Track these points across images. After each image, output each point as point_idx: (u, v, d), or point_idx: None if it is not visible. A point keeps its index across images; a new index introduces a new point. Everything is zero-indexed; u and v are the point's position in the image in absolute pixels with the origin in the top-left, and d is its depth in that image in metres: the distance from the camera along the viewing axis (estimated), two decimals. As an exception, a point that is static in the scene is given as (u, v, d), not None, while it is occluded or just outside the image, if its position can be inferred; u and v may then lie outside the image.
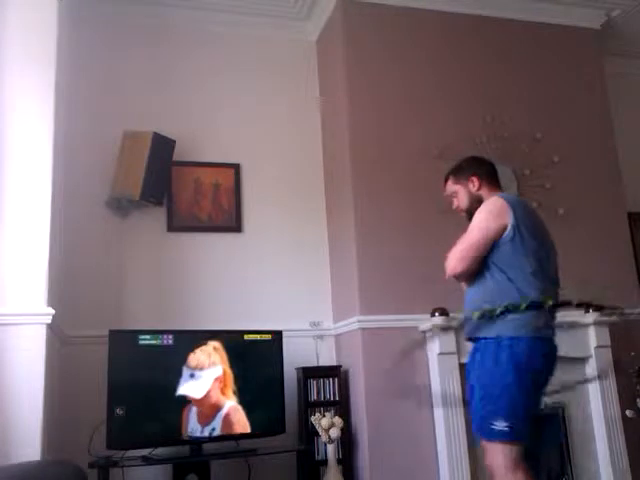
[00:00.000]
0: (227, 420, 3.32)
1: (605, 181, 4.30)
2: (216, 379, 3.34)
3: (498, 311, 2.12)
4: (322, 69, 4.39)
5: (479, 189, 2.41)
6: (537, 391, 2.18)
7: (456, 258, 2.25)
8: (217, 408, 3.32)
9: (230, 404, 3.35)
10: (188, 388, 3.26)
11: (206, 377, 3.31)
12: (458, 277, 2.29)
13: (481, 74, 4.20)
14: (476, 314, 2.19)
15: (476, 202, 2.39)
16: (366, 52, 4.03)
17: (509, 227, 2.20)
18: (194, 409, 3.27)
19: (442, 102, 4.07)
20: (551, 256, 2.32)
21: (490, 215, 2.24)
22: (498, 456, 2.11)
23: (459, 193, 2.46)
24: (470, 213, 2.40)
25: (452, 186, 2.49)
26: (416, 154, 3.90)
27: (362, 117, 3.92)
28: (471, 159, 2.53)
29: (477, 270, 2.25)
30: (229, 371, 3.38)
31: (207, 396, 3.30)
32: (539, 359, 2.15)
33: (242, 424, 3.36)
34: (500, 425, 2.08)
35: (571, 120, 4.31)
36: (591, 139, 4.35)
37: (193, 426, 3.25)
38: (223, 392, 3.34)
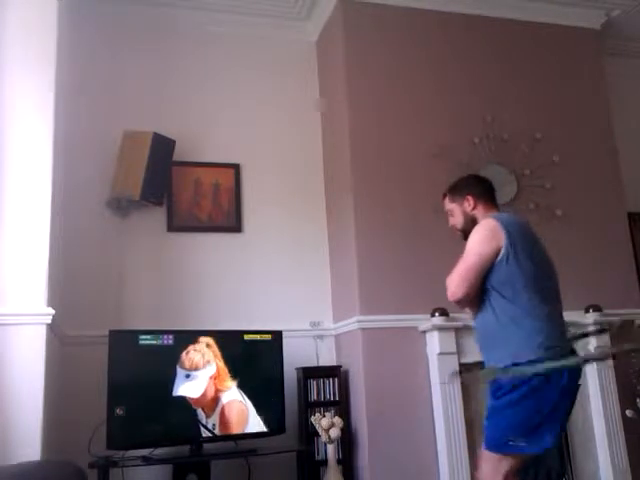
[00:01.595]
0: (223, 415, 3.33)
1: (605, 181, 4.30)
2: (211, 377, 3.34)
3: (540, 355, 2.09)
4: (322, 69, 4.39)
5: (474, 208, 2.40)
6: (559, 410, 2.12)
7: (455, 284, 2.21)
8: (215, 403, 3.33)
9: (227, 398, 3.36)
10: (185, 389, 3.26)
11: (202, 377, 3.32)
12: (460, 303, 2.25)
13: (481, 74, 4.20)
14: (491, 372, 2.19)
15: (470, 222, 2.38)
16: (366, 52, 4.03)
17: (503, 249, 2.17)
18: (198, 410, 3.29)
19: (442, 102, 4.07)
20: (552, 275, 2.28)
21: (484, 239, 2.21)
22: (496, 468, 2.09)
23: (455, 211, 2.46)
24: (465, 232, 2.40)
25: (449, 204, 2.49)
26: (416, 154, 3.90)
27: (362, 117, 3.93)
28: (468, 178, 2.53)
29: (478, 296, 2.22)
30: (222, 365, 3.38)
31: (204, 395, 3.31)
32: (555, 391, 2.08)
33: (240, 416, 3.36)
34: (516, 441, 2.05)
35: (571, 120, 4.32)
36: (591, 139, 4.35)
37: (201, 417, 3.29)
38: (218, 387, 3.35)
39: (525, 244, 2.21)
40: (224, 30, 4.25)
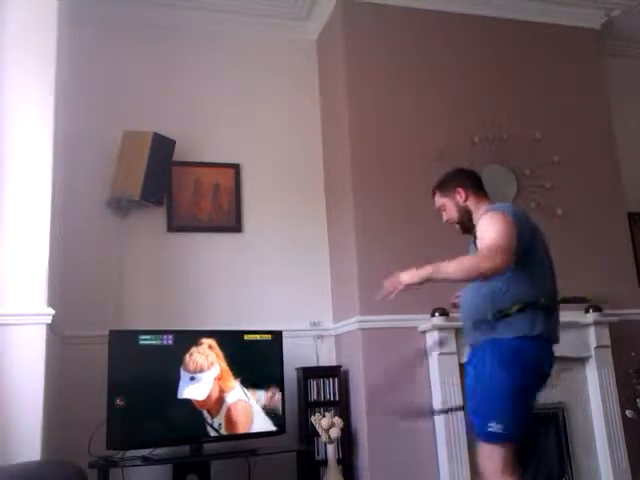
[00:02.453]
0: (229, 416, 3.34)
1: (605, 181, 4.30)
2: (215, 378, 3.35)
3: (514, 309, 2.14)
4: (322, 69, 4.39)
5: (466, 200, 2.41)
6: (531, 391, 2.19)
7: (493, 254, 2.09)
8: (220, 404, 3.34)
9: (232, 399, 3.37)
10: (190, 392, 3.27)
11: (206, 379, 3.32)
12: (497, 272, 2.13)
13: (481, 74, 4.20)
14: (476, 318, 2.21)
15: (465, 213, 2.40)
16: (366, 52, 4.03)
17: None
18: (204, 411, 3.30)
19: (442, 102, 4.07)
20: (552, 265, 2.32)
21: (502, 221, 2.20)
22: (491, 458, 2.13)
23: (447, 206, 2.46)
24: (463, 224, 2.42)
25: (439, 200, 2.49)
26: (416, 154, 3.90)
27: (362, 117, 3.93)
28: (455, 171, 2.53)
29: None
30: (225, 367, 3.38)
31: (209, 397, 3.31)
32: (533, 359, 2.16)
33: (245, 416, 3.38)
34: (495, 427, 2.09)
35: (571, 120, 4.31)
36: (591, 139, 4.35)
37: (206, 417, 3.30)
38: (222, 388, 3.36)
39: (535, 235, 2.26)
40: (224, 30, 4.25)
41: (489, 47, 4.26)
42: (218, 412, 3.32)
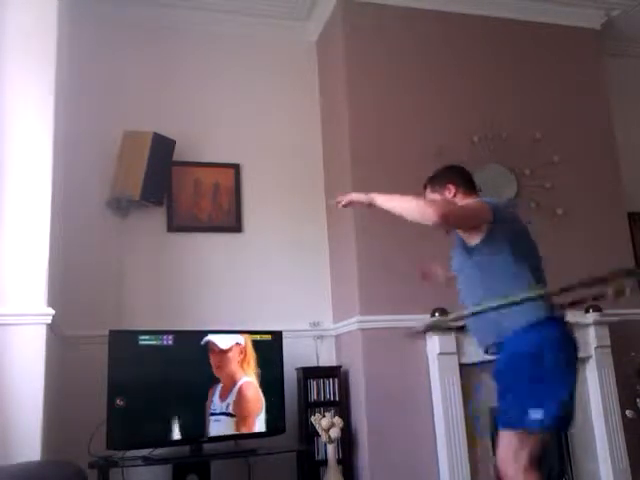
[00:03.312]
0: (240, 394, 3.38)
1: (605, 181, 4.30)
2: (239, 347, 3.42)
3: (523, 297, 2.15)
4: (322, 69, 4.39)
5: (455, 196, 2.44)
6: (571, 375, 2.17)
7: (444, 206, 2.25)
8: (234, 381, 3.39)
9: (245, 379, 3.41)
10: (215, 337, 3.38)
11: (232, 338, 3.43)
12: (444, 221, 2.16)
13: (480, 74, 4.20)
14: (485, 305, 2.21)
15: None
16: (366, 52, 4.03)
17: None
18: (219, 386, 3.34)
19: (442, 102, 4.07)
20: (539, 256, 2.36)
21: (475, 202, 2.31)
22: (513, 450, 2.10)
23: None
24: None
25: (429, 195, 2.53)
26: (416, 154, 3.90)
27: (362, 117, 3.93)
28: (447, 168, 2.56)
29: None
30: (251, 351, 3.46)
31: (227, 365, 3.38)
32: (569, 339, 2.21)
33: (255, 400, 3.42)
34: (535, 414, 2.06)
35: (571, 120, 4.31)
36: (591, 139, 4.35)
37: (215, 403, 3.31)
38: (242, 366, 3.41)
39: (518, 225, 2.32)
40: (224, 30, 4.25)
41: (489, 47, 4.26)
42: (230, 390, 3.35)
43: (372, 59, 4.03)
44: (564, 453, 3.68)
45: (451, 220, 2.19)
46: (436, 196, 2.48)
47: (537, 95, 4.29)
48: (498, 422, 2.20)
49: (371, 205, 2.33)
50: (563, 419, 2.13)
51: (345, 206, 2.41)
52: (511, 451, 2.11)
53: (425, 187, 2.55)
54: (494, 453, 3.42)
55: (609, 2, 4.45)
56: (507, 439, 2.13)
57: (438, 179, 2.51)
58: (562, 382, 2.12)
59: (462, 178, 2.48)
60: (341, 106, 4.00)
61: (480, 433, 3.49)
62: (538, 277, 2.27)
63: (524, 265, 2.23)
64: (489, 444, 3.47)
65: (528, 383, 2.11)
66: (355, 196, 2.37)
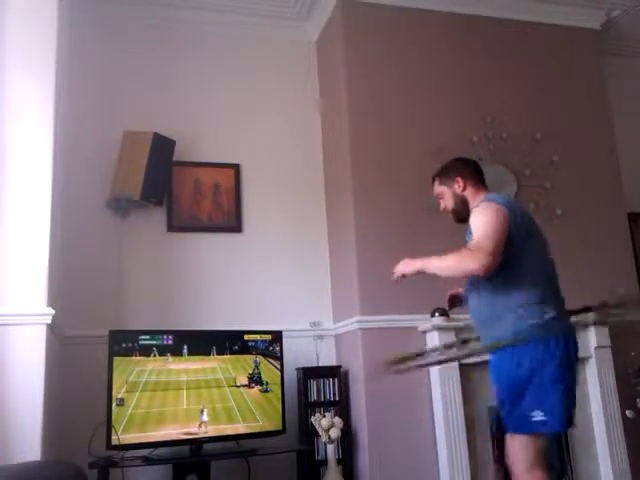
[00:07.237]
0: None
1: (605, 181, 4.30)
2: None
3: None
4: (322, 69, 4.39)
5: (464, 190, 2.42)
6: (572, 375, 2.20)
7: (480, 255, 2.12)
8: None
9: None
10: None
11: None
12: (488, 267, 2.13)
13: (480, 74, 4.20)
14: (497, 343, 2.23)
15: (461, 203, 2.42)
16: (366, 52, 4.03)
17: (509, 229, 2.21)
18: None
19: (442, 102, 4.07)
20: (550, 255, 2.33)
21: (493, 215, 2.21)
22: (526, 449, 2.14)
23: (445, 194, 2.48)
24: (457, 214, 2.44)
25: (438, 188, 2.50)
26: (416, 154, 3.90)
27: (362, 117, 3.92)
28: (456, 160, 2.54)
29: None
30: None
31: None
32: (572, 352, 2.20)
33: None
34: (538, 416, 2.10)
35: (571, 120, 4.31)
36: (591, 139, 4.35)
37: None
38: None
39: (530, 225, 2.29)
40: (224, 30, 4.25)
41: (489, 47, 4.26)
42: None
43: (372, 59, 4.03)
44: (564, 453, 3.67)
45: (492, 256, 2.12)
46: (444, 189, 2.46)
47: (537, 95, 4.29)
48: (506, 426, 2.22)
49: (419, 272, 2.33)
50: (566, 420, 2.15)
51: (397, 281, 2.41)
52: (521, 453, 2.16)
53: (433, 180, 2.53)
54: (493, 453, 3.46)
55: (609, 2, 4.45)
56: (516, 442, 2.18)
57: (446, 172, 2.48)
58: (564, 383, 2.14)
59: (471, 171, 2.46)
60: (341, 106, 4.00)
61: (494, 432, 3.48)
62: (553, 289, 2.27)
63: (540, 276, 2.24)
64: (489, 444, 3.47)
65: (532, 386, 2.13)
66: (407, 270, 2.36)
